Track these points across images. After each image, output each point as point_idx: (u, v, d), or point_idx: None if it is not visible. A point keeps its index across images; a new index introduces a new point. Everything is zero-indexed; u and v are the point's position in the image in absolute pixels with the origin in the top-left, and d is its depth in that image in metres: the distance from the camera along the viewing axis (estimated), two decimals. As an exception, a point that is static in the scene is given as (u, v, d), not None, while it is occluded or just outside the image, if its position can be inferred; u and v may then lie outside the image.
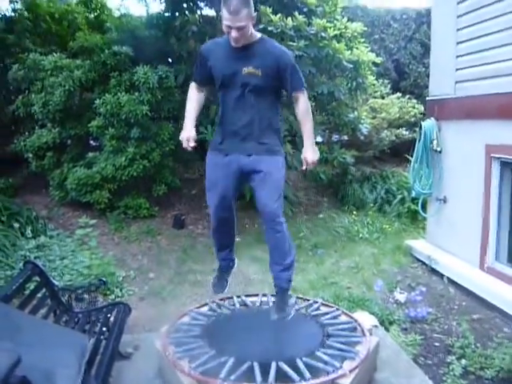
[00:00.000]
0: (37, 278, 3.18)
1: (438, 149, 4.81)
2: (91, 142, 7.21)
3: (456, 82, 4.58)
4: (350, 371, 2.46)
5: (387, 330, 3.57)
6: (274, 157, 2.78)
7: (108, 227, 5.97)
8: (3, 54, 6.83)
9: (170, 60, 6.50)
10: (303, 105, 2.79)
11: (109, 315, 3.10)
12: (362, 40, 6.62)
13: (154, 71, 5.49)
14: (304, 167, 2.84)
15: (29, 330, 2.31)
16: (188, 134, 2.78)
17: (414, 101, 8.24)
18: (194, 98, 2.90)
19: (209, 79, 2.82)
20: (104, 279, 3.47)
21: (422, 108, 7.88)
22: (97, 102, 5.63)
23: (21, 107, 6.46)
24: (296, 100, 2.79)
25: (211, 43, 2.90)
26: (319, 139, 7.12)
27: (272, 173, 2.74)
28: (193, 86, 2.94)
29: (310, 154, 2.79)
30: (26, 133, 6.78)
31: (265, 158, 2.74)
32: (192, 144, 2.77)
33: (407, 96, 8.40)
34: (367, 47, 6.64)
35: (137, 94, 5.57)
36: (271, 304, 3.35)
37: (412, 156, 5.27)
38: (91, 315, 3.15)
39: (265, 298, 3.43)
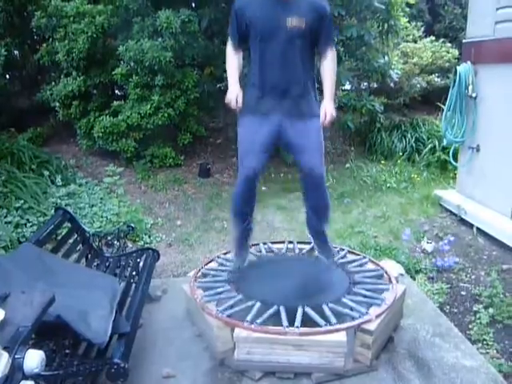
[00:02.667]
0: (68, 224, 3.26)
1: (474, 95, 4.60)
2: (116, 91, 7.19)
3: (496, 23, 4.30)
4: (376, 317, 2.47)
5: (413, 278, 3.57)
6: (314, 119, 2.71)
7: (135, 176, 6.03)
8: (25, 1, 6.72)
9: (193, 4, 6.29)
10: (332, 62, 2.74)
11: (138, 260, 3.17)
12: (396, -21, 6.25)
13: (176, 15, 5.32)
14: (323, 119, 2.72)
15: (62, 272, 2.39)
16: (236, 94, 2.68)
17: (449, 45, 7.85)
18: (234, 58, 2.80)
19: (247, 36, 2.71)
20: (132, 225, 3.53)
21: (456, 52, 7.53)
22: (120, 48, 5.54)
23: (45, 56, 6.41)
24: (325, 55, 2.71)
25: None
26: (347, 86, 6.92)
27: (314, 137, 2.71)
28: (230, 46, 2.82)
29: (330, 106, 2.70)
30: (52, 82, 6.76)
31: (307, 122, 2.69)
32: (240, 104, 2.69)
33: (441, 40, 8.01)
34: (401, -13, 6.29)
35: (160, 39, 5.44)
36: (297, 251, 3.38)
37: (444, 104, 5.08)
38: (121, 260, 3.22)
39: (291, 245, 3.44)
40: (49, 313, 1.71)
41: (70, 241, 3.19)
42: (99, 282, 2.52)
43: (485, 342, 2.79)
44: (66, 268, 2.54)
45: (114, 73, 5.82)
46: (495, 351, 2.72)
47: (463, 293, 3.41)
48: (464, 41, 4.96)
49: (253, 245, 3.52)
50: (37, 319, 1.50)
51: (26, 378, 1.37)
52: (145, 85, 5.85)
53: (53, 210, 3.83)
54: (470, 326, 2.97)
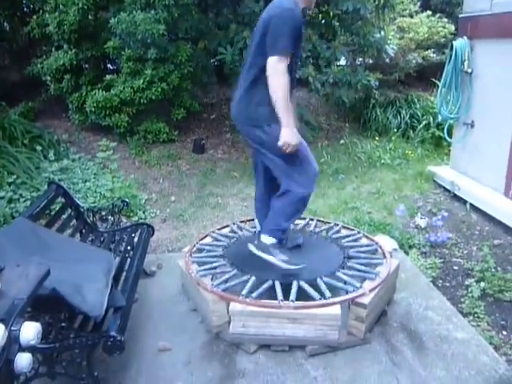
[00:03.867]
0: (61, 200, 3.24)
1: (469, 70, 4.57)
2: (108, 65, 7.07)
3: (493, -3, 4.25)
4: (370, 291, 2.49)
5: (407, 253, 3.60)
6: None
7: (128, 151, 5.98)
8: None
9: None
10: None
11: (133, 235, 3.17)
12: (393, -50, 6.13)
13: (170, -13, 5.20)
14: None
15: (57, 246, 2.38)
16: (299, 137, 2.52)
17: (445, 20, 7.73)
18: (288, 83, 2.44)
19: None
20: (127, 200, 3.51)
21: (452, 28, 7.44)
22: (112, 21, 5.42)
23: (35, 28, 6.28)
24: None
25: (297, 8, 2.47)
26: (342, 61, 6.83)
27: None
28: (284, 64, 2.39)
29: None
30: (43, 55, 6.63)
31: None
32: None
33: (437, 14, 7.89)
34: (398, -41, 6.17)
35: (153, 12, 5.32)
36: (292, 226, 3.38)
37: (439, 80, 5.04)
38: (116, 235, 3.22)
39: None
40: (44, 286, 1.70)
41: (64, 216, 3.18)
42: (94, 256, 2.52)
43: (476, 315, 2.84)
44: (61, 242, 2.53)
45: (106, 46, 5.70)
46: (486, 324, 2.77)
47: (455, 267, 3.45)
48: (460, 16, 4.90)
49: (247, 220, 3.54)
50: (32, 292, 1.50)
51: (22, 349, 1.37)
52: (138, 58, 5.75)
53: (46, 185, 3.80)
54: (462, 300, 3.01)
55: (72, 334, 1.93)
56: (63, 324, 1.94)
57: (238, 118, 2.69)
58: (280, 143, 2.48)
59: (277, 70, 2.37)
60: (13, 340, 1.35)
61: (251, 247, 2.79)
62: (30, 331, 1.38)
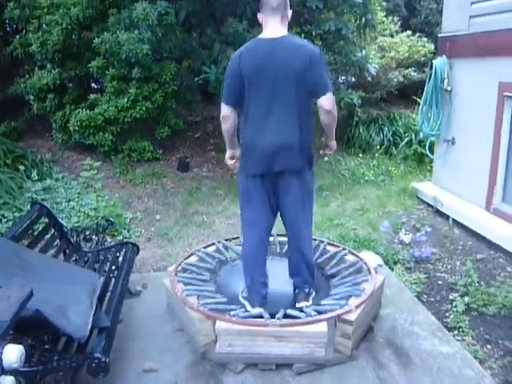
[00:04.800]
0: (45, 220, 3.20)
1: (449, 88, 4.68)
2: (93, 84, 7.07)
3: (470, 17, 4.38)
4: (356, 307, 2.50)
5: (392, 269, 3.63)
6: None
7: (113, 170, 5.95)
8: (-3, -8, 6.55)
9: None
10: None
11: (117, 254, 3.14)
12: (372, -27, 6.30)
13: (153, 7, 5.25)
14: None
15: (40, 267, 2.35)
16: None
17: (425, 39, 7.94)
18: None
19: None
20: (111, 219, 3.49)
21: (432, 47, 7.63)
22: (96, 41, 5.44)
23: (18, 47, 6.27)
24: None
25: None
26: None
27: None
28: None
29: None
30: (26, 75, 6.61)
31: None
32: None
33: (417, 34, 8.10)
34: (377, -19, 6.34)
35: (136, 32, 5.36)
36: (277, 244, 3.40)
37: (420, 97, 5.14)
38: (100, 254, 3.19)
39: (271, 238, 3.44)
40: (27, 308, 1.68)
41: (47, 236, 3.14)
42: (78, 276, 2.49)
43: (461, 330, 2.86)
44: (44, 263, 2.50)
45: (89, 65, 5.71)
46: (471, 338, 2.79)
47: (440, 282, 3.49)
48: (439, 35, 5.03)
49: (233, 238, 3.53)
50: (15, 314, 1.48)
51: (5, 372, 1.35)
52: (121, 77, 5.77)
53: (29, 205, 3.75)
54: (447, 314, 3.04)
55: (56, 356, 1.90)
56: (47, 346, 1.90)
57: (285, 163, 2.55)
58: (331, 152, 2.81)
59: (333, 103, 2.51)
60: (-5, 363, 1.32)
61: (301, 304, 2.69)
62: (13, 354, 1.36)
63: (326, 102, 2.47)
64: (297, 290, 2.75)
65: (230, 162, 2.82)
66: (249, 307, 2.62)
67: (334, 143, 2.77)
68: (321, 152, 2.84)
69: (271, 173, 2.55)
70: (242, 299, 2.74)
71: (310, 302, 2.68)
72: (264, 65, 2.47)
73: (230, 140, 2.73)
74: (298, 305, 2.67)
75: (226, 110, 2.59)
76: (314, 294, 2.74)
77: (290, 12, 2.59)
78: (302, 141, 2.54)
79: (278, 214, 2.75)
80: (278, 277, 2.83)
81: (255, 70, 2.48)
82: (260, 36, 2.57)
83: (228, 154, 2.80)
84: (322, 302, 2.63)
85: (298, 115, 2.52)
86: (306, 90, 2.48)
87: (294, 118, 2.51)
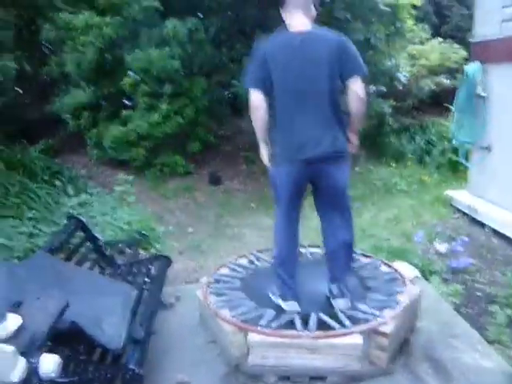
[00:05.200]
0: (80, 233, 3.27)
1: (483, 94, 4.57)
2: (125, 101, 7.24)
3: (503, 21, 4.29)
4: (391, 319, 2.44)
5: (428, 280, 3.53)
6: None
7: (146, 184, 6.06)
8: (34, 15, 6.83)
9: (200, 14, 6.34)
10: None
11: (150, 267, 3.17)
12: (401, -19, 6.26)
13: (183, 24, 5.37)
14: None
15: (76, 279, 2.40)
16: None
17: (456, 46, 7.81)
18: None
19: None
20: (144, 233, 3.53)
21: (464, 53, 7.49)
22: (128, 58, 5.59)
23: (54, 68, 6.51)
24: None
25: None
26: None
27: None
28: None
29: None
30: (62, 94, 6.84)
31: None
32: None
33: (449, 41, 7.97)
34: (406, -11, 6.29)
35: (167, 48, 5.49)
36: (309, 256, 3.37)
37: (453, 105, 5.04)
38: (133, 267, 3.23)
39: (303, 250, 3.42)
40: (63, 319, 1.72)
41: (83, 249, 3.20)
42: (112, 288, 2.53)
43: (502, 343, 2.74)
44: (80, 275, 2.55)
45: (122, 83, 5.86)
46: (513, 352, 2.68)
47: (478, 293, 3.37)
48: (472, 40, 4.94)
49: (264, 250, 3.52)
50: (52, 325, 1.51)
51: (41, 382, 1.37)
52: (153, 93, 5.90)
53: (65, 220, 3.85)
54: (487, 327, 2.92)
55: (91, 367, 1.92)
56: (82, 357, 1.93)
57: (325, 147, 2.51)
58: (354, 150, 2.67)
59: (363, 88, 2.51)
60: (33, 373, 1.35)
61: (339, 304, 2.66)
62: (50, 364, 1.39)
63: (355, 83, 2.46)
64: (333, 286, 2.69)
65: (267, 161, 2.66)
66: (282, 304, 2.62)
67: (356, 139, 2.69)
68: None
69: (305, 160, 2.49)
70: (272, 297, 2.73)
71: (348, 303, 2.63)
72: (291, 58, 2.48)
73: (263, 132, 2.60)
74: (333, 302, 2.63)
75: (255, 95, 2.51)
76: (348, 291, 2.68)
77: (314, 10, 2.61)
78: (339, 125, 2.54)
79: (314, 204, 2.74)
80: (310, 280, 2.85)
81: (283, 62, 2.49)
82: (286, 30, 2.58)
83: (264, 150, 2.65)
84: (357, 308, 2.58)
85: (332, 102, 2.51)
86: (337, 73, 2.47)
87: (327, 104, 2.50)
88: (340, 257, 2.70)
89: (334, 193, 2.63)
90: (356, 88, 2.47)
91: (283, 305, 2.64)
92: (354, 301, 2.65)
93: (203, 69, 6.20)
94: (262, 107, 2.52)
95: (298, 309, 2.59)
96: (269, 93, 2.52)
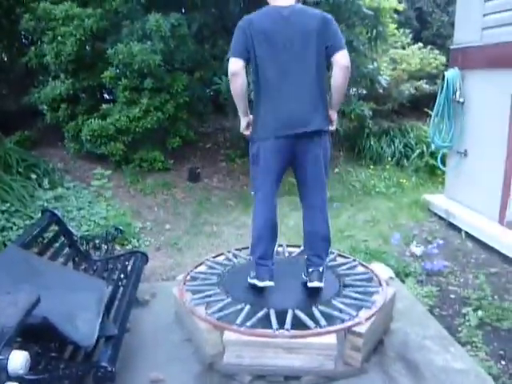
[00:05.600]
0: (55, 227, 3.21)
1: (461, 100, 4.65)
2: (105, 95, 7.14)
3: (483, 29, 4.36)
4: (366, 319, 2.46)
5: (403, 281, 3.57)
6: None
7: (123, 180, 5.98)
8: (13, 4, 6.67)
9: (183, 9, 6.29)
10: None
11: (126, 263, 3.13)
12: (384, -15, 6.32)
13: (166, 19, 5.31)
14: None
15: (48, 274, 2.35)
16: None
17: (436, 51, 7.94)
18: None
19: None
20: (120, 228, 3.49)
21: (444, 59, 7.62)
22: (109, 51, 5.51)
23: (33, 58, 6.36)
24: None
25: None
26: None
27: None
28: None
29: None
30: (40, 85, 6.70)
31: None
32: None
33: (429, 46, 8.09)
34: (389, -7, 6.35)
35: (149, 43, 5.42)
36: (286, 254, 3.37)
37: (432, 109, 5.12)
38: (109, 263, 3.18)
39: (280, 248, 3.42)
40: (35, 314, 1.67)
41: (57, 244, 3.14)
42: (86, 284, 2.48)
43: (474, 345, 2.79)
44: (53, 270, 2.50)
45: (102, 76, 5.78)
46: (484, 353, 2.72)
47: (452, 296, 3.42)
48: (451, 47, 5.02)
49: (242, 248, 3.51)
50: (21, 320, 1.47)
51: (10, 379, 1.33)
52: (134, 88, 5.82)
53: (40, 213, 3.77)
54: (460, 329, 2.97)
55: (62, 364, 1.89)
56: (53, 354, 1.89)
57: (313, 124, 2.54)
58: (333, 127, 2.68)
59: (349, 59, 2.54)
60: (1, 369, 1.31)
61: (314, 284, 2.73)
62: (18, 360, 1.35)
63: (343, 56, 2.50)
64: (310, 269, 2.75)
65: (247, 132, 2.74)
66: (256, 282, 2.71)
67: (335, 116, 2.72)
68: None
69: (293, 135, 2.53)
70: (250, 280, 2.80)
71: (323, 283, 2.73)
72: (278, 28, 2.51)
73: (243, 103, 2.63)
74: (309, 284, 2.70)
75: (235, 63, 2.52)
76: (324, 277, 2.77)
77: None
78: (323, 101, 2.59)
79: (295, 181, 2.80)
80: (287, 279, 2.90)
81: (269, 33, 2.51)
82: (269, 5, 2.63)
83: (243, 121, 2.72)
84: (333, 308, 2.59)
85: (318, 76, 2.54)
86: (323, 47, 2.51)
87: (314, 78, 2.54)
88: (318, 244, 2.80)
89: (318, 171, 2.67)
90: (340, 59, 2.50)
91: (257, 282, 2.71)
92: (330, 300, 2.67)
93: (185, 65, 6.15)
94: (242, 74, 2.52)
95: (272, 284, 2.70)
96: (249, 59, 2.55)
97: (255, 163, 2.69)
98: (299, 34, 2.50)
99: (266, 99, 2.58)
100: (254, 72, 2.59)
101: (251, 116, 2.73)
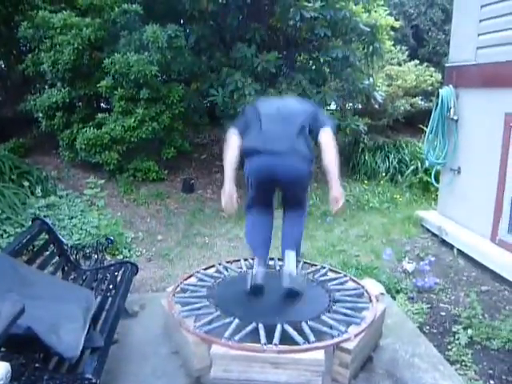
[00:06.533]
0: (45, 236, 3.18)
1: (455, 117, 4.68)
2: (101, 104, 7.15)
3: (477, 48, 4.40)
4: (355, 336, 2.44)
5: (394, 298, 3.56)
6: None
7: (117, 189, 5.97)
8: (12, 12, 6.70)
9: (181, 20, 6.34)
10: None
11: (116, 273, 3.11)
12: (381, 3, 6.39)
13: (163, 30, 5.35)
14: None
15: (36, 283, 2.32)
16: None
17: (432, 69, 8.01)
18: None
19: None
20: (112, 238, 3.47)
21: (439, 77, 7.68)
22: (106, 61, 5.53)
23: (30, 66, 6.37)
24: None
25: None
26: (333, 106, 6.98)
27: None
28: None
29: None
30: (37, 93, 6.71)
31: None
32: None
33: (425, 64, 8.17)
34: (386, 10, 6.42)
35: (146, 53, 5.45)
36: (278, 268, 3.36)
37: (427, 126, 5.15)
38: (98, 273, 3.16)
39: (271, 262, 3.41)
40: (19, 324, 1.65)
41: (47, 252, 3.12)
42: (73, 294, 2.45)
43: (463, 363, 2.78)
44: (41, 280, 2.47)
45: (98, 85, 5.79)
46: (473, 372, 2.70)
47: (443, 313, 3.41)
48: (446, 65, 5.06)
49: (233, 261, 3.50)
50: (4, 330, 1.45)
51: (-11, 391, 1.31)
52: (130, 98, 5.83)
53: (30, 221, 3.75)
54: (449, 347, 2.96)
55: (46, 375, 1.86)
56: (37, 365, 1.86)
57: (291, 160, 2.87)
58: (338, 196, 2.94)
59: (333, 136, 2.93)
60: (-20, 381, 1.29)
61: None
62: (-2, 371, 1.33)
63: (328, 134, 2.89)
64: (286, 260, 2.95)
65: (229, 199, 2.90)
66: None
67: (339, 187, 2.95)
68: (333, 210, 3.04)
69: (275, 180, 2.91)
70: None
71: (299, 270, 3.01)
72: (278, 106, 3.06)
73: (231, 169, 2.89)
74: (285, 269, 2.85)
75: (232, 134, 2.97)
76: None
77: None
78: (304, 154, 2.90)
79: None
80: (277, 292, 2.88)
81: (272, 108, 3.01)
82: None
83: (229, 186, 2.88)
84: (322, 323, 2.57)
85: (298, 134, 2.89)
86: (308, 125, 2.94)
87: (297, 134, 2.89)
88: (289, 239, 3.07)
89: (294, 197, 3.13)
90: (329, 135, 2.89)
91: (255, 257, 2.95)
92: (319, 315, 2.65)
93: (182, 76, 6.18)
94: (235, 146, 2.91)
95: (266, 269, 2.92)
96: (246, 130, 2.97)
97: (247, 183, 3.12)
98: (289, 112, 3.01)
99: (251, 141, 2.96)
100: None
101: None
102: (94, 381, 1.86)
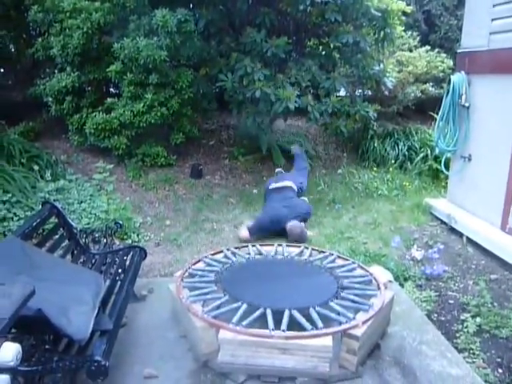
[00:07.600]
0: (55, 220, 3.20)
1: (467, 104, 4.61)
2: (111, 88, 7.13)
3: (490, 33, 4.32)
4: (363, 322, 2.44)
5: (402, 285, 3.56)
6: None
7: (126, 174, 5.98)
8: (23, -5, 6.67)
9: (190, 5, 6.27)
10: None
11: (125, 258, 3.13)
12: (393, -13, 6.27)
13: (172, 15, 5.29)
14: None
15: (46, 266, 2.34)
16: None
17: (444, 55, 7.87)
18: None
19: None
20: (120, 222, 3.48)
21: (451, 63, 7.55)
22: (115, 46, 5.50)
23: (40, 50, 6.36)
24: None
25: None
26: (342, 92, 6.91)
27: None
28: None
29: None
30: (46, 77, 6.70)
31: None
32: None
33: (436, 50, 8.03)
34: (397, -5, 6.31)
35: (155, 38, 5.40)
36: (286, 254, 3.36)
37: (437, 113, 5.08)
38: (107, 257, 3.18)
39: (280, 248, 3.41)
40: (30, 307, 1.67)
41: (56, 236, 3.14)
42: (83, 277, 2.47)
43: (471, 351, 2.78)
44: (50, 263, 2.49)
45: (108, 70, 5.77)
46: (481, 361, 2.71)
47: (451, 301, 3.40)
48: (458, 50, 4.97)
49: (242, 247, 3.50)
50: (15, 311, 1.46)
51: (0, 371, 1.33)
52: (139, 83, 5.81)
53: (40, 205, 3.77)
54: (457, 335, 2.95)
55: (56, 357, 1.88)
56: (47, 346, 1.89)
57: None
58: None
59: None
60: (-8, 361, 1.30)
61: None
62: (9, 352, 1.34)
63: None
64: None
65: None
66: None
67: None
68: None
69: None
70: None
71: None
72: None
73: None
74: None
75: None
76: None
77: None
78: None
79: None
80: (285, 278, 2.92)
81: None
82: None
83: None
84: (330, 310, 2.57)
85: None
86: None
87: None
88: None
89: None
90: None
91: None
92: (327, 302, 2.65)
93: (191, 61, 6.13)
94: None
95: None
96: None
97: None
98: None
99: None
100: None
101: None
102: (103, 363, 1.88)
